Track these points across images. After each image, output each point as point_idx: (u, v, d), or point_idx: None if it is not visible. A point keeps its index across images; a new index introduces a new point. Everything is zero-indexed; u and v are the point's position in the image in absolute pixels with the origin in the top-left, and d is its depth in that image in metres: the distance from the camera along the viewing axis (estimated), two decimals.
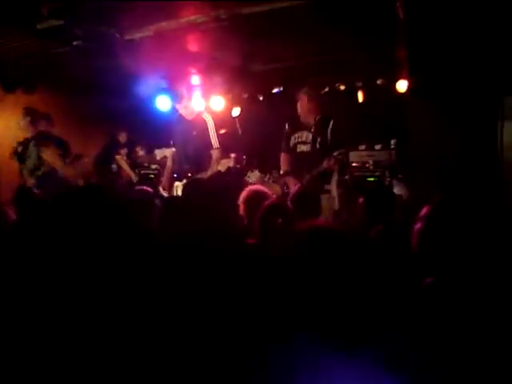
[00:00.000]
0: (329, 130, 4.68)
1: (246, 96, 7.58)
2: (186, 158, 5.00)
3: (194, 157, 4.92)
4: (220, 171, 4.93)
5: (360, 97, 6.56)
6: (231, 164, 4.98)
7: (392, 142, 6.13)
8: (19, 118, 5.65)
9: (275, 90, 7.28)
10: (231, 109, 7.44)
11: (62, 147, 5.78)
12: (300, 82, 6.84)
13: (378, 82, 6.63)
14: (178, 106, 5.10)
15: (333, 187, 4.65)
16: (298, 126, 4.89)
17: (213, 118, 5.10)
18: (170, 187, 5.07)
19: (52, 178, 5.50)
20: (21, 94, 6.73)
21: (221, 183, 3.67)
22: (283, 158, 5.04)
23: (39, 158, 5.51)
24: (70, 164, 5.83)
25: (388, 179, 5.85)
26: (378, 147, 6.17)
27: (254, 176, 6.23)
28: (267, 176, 6.43)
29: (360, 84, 6.63)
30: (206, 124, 4.99)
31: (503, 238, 1.74)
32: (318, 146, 4.67)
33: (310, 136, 4.76)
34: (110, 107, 6.31)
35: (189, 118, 5.07)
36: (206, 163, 4.89)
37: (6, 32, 4.85)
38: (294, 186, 4.48)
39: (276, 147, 5.74)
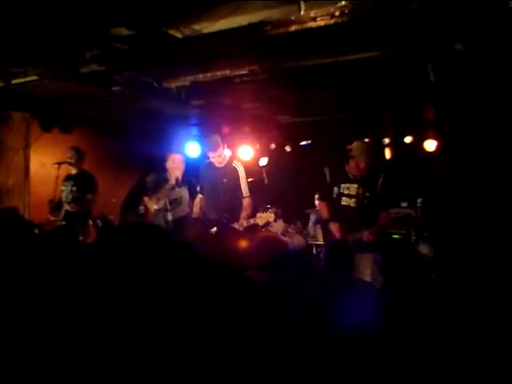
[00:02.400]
0: (378, 186, 4.40)
1: (273, 147, 7.71)
2: (214, 206, 4.99)
3: (224, 205, 4.90)
4: (257, 224, 4.81)
5: (387, 154, 6.61)
6: (271, 219, 4.76)
7: (418, 200, 6.11)
8: (67, 155, 5.92)
9: (303, 143, 7.39)
10: (258, 158, 7.56)
11: (93, 185, 5.96)
12: (328, 136, 6.99)
13: (406, 140, 6.71)
14: (210, 154, 5.08)
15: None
16: (343, 177, 4.57)
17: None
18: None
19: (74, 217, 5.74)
20: (57, 134, 6.98)
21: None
22: (322, 206, 4.80)
23: (71, 193, 5.71)
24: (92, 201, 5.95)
25: (414, 238, 5.79)
26: (404, 205, 6.15)
27: (277, 226, 6.22)
28: (291, 226, 6.43)
29: (387, 141, 6.69)
30: (237, 172, 4.99)
31: None
32: (365, 201, 4.40)
33: (360, 190, 4.44)
34: (142, 150, 6.47)
35: (219, 165, 5.06)
36: (236, 211, 4.86)
37: (49, 73, 5.06)
38: (338, 234, 4.36)
39: (301, 198, 5.77)
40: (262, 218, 4.68)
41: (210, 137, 5.16)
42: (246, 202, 4.94)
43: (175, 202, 5.31)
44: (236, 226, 4.67)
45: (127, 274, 1.68)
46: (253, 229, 4.75)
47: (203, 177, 5.25)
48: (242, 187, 4.95)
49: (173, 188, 5.26)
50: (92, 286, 1.70)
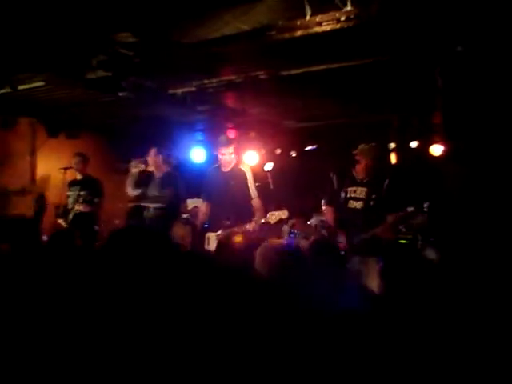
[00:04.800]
0: (384, 188, 4.38)
1: (279, 152, 7.70)
2: (222, 210, 4.93)
3: (232, 207, 4.84)
4: (269, 223, 4.75)
5: (393, 158, 6.58)
6: (285, 216, 4.78)
7: (425, 205, 6.06)
8: (72, 161, 5.98)
9: (309, 148, 7.38)
10: (263, 163, 7.55)
11: (99, 189, 5.99)
12: (334, 141, 6.97)
13: (412, 145, 6.68)
14: (222, 150, 5.02)
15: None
16: (351, 180, 4.55)
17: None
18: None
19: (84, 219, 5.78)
20: (63, 139, 7.01)
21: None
22: (328, 211, 4.77)
23: (78, 197, 5.75)
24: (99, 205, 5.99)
25: (420, 242, 5.75)
26: (410, 209, 6.09)
27: (283, 231, 6.22)
28: (297, 231, 6.41)
29: (393, 146, 6.66)
30: (244, 174, 4.98)
31: None
32: (371, 203, 4.40)
33: (366, 192, 4.43)
34: (135, 155, 6.50)
35: (226, 169, 5.05)
36: (246, 213, 4.82)
37: (56, 79, 5.09)
38: (344, 242, 4.32)
39: (306, 203, 5.75)
40: (275, 215, 4.66)
41: (222, 134, 5.22)
42: (256, 202, 4.92)
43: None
44: (248, 226, 4.61)
45: (129, 277, 1.68)
46: (264, 230, 4.74)
47: (209, 182, 5.21)
48: (251, 189, 4.94)
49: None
50: (97, 288, 1.70)
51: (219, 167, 5.12)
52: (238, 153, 5.31)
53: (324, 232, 6.07)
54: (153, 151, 5.48)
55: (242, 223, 4.66)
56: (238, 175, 4.99)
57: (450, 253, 5.10)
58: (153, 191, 5.45)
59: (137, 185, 5.44)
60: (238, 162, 5.23)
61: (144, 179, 5.47)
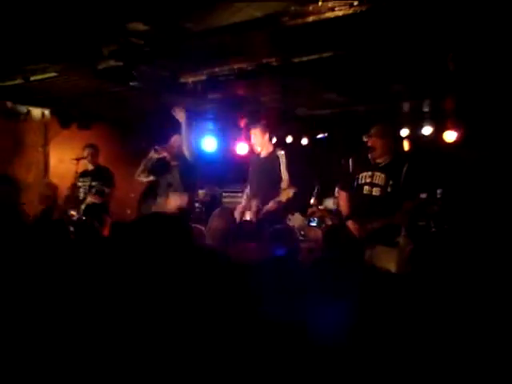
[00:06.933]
0: (403, 174, 4.15)
1: (290, 140, 7.69)
2: (259, 196, 5.14)
3: (265, 193, 5.11)
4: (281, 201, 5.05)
5: (406, 145, 6.54)
6: (290, 195, 5.04)
7: (438, 191, 6.03)
8: (83, 152, 5.99)
9: (320, 136, 7.35)
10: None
11: (110, 179, 6.02)
12: (345, 128, 6.94)
13: (424, 131, 6.63)
14: (252, 130, 5.35)
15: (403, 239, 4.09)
16: (367, 165, 4.35)
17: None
18: None
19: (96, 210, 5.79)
20: (75, 130, 7.04)
21: None
22: (343, 197, 4.59)
23: (90, 188, 5.77)
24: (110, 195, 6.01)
25: (433, 229, 5.71)
26: (423, 196, 6.05)
27: (295, 219, 6.20)
28: (309, 219, 6.40)
29: (406, 133, 6.62)
30: (278, 161, 5.20)
31: None
32: (389, 189, 4.17)
33: (383, 177, 4.21)
34: (160, 145, 6.50)
35: (263, 155, 5.33)
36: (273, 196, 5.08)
37: (67, 69, 5.10)
38: (356, 233, 4.19)
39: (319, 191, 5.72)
40: (283, 193, 5.02)
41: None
42: (284, 185, 5.10)
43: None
44: (268, 206, 4.93)
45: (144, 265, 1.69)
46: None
47: (251, 169, 5.47)
48: (283, 176, 5.13)
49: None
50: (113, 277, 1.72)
51: (259, 155, 5.40)
52: (248, 140, 5.48)
53: (335, 220, 6.07)
54: (175, 138, 5.45)
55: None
56: (273, 161, 5.23)
57: (464, 240, 5.07)
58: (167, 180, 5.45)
59: (151, 171, 5.44)
60: (275, 147, 5.45)
61: (159, 167, 5.45)
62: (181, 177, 5.34)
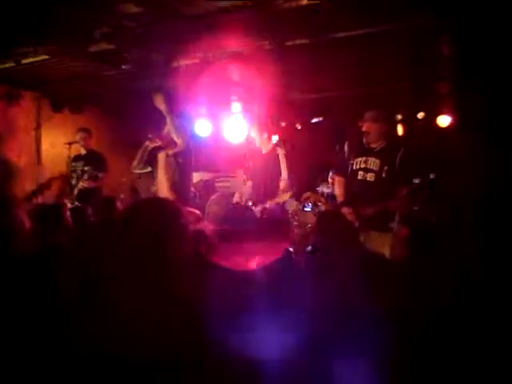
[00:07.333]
0: (398, 159, 4.11)
1: (283, 124, 7.65)
2: (260, 191, 5.25)
3: (265, 189, 5.21)
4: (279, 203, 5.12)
5: (400, 130, 6.53)
6: (286, 198, 5.13)
7: (431, 176, 6.05)
8: (75, 136, 5.95)
9: (314, 120, 7.32)
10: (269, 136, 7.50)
11: (103, 164, 5.98)
12: (339, 112, 6.92)
13: (418, 115, 6.61)
14: (259, 140, 5.39)
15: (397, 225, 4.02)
16: (361, 150, 4.33)
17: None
18: None
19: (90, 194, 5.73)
20: (67, 114, 6.98)
21: None
22: (339, 182, 4.57)
23: (82, 173, 5.74)
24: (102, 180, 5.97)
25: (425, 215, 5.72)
26: (416, 181, 6.06)
27: (289, 205, 6.20)
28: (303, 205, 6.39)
29: (400, 117, 6.61)
30: (278, 156, 5.25)
31: None
32: (384, 175, 4.15)
33: (378, 163, 4.18)
34: (152, 129, 6.46)
35: (265, 152, 5.36)
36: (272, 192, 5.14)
37: (59, 52, 5.03)
38: (351, 219, 4.03)
39: (313, 176, 5.73)
40: (281, 197, 5.09)
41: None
42: (283, 184, 5.16)
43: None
44: (266, 205, 4.98)
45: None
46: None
47: (253, 165, 5.54)
48: (282, 171, 5.19)
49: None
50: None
51: (260, 150, 5.44)
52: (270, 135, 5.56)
53: (329, 205, 6.08)
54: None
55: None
56: (273, 157, 5.29)
57: (458, 226, 5.08)
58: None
59: (147, 162, 5.34)
60: (276, 143, 5.54)
61: (155, 156, 5.27)
62: (176, 163, 5.29)
